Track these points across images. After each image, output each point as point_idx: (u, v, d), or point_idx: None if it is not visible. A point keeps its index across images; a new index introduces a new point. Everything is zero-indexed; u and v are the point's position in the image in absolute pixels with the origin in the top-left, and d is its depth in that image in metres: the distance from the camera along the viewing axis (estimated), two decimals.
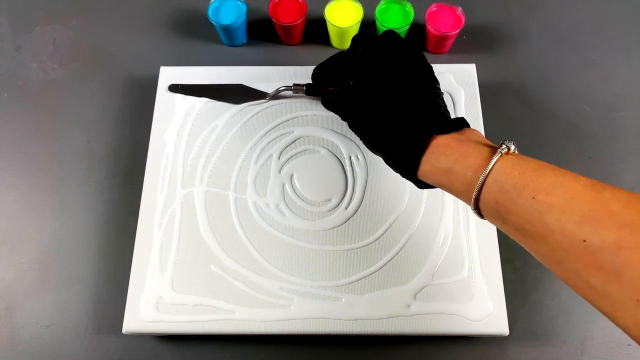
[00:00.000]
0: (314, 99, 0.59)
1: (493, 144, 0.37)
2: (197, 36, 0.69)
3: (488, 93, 0.62)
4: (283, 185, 0.55)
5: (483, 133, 0.57)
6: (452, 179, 0.36)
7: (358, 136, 0.45)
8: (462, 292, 0.50)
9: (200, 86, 0.59)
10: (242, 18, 0.64)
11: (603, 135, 0.61)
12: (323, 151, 0.57)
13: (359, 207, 0.54)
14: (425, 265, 0.51)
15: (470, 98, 0.59)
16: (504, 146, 0.35)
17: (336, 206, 0.54)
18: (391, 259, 0.51)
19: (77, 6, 0.72)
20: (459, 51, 0.67)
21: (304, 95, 0.57)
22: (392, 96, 0.42)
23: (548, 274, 0.55)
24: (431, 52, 0.67)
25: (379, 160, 0.56)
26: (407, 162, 0.39)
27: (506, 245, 0.53)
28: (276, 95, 0.58)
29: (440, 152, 0.37)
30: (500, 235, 0.52)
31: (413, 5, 0.64)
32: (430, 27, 0.63)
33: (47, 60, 0.68)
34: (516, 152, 0.35)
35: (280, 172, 0.56)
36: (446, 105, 0.43)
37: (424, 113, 0.40)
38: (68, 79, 0.67)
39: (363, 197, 0.54)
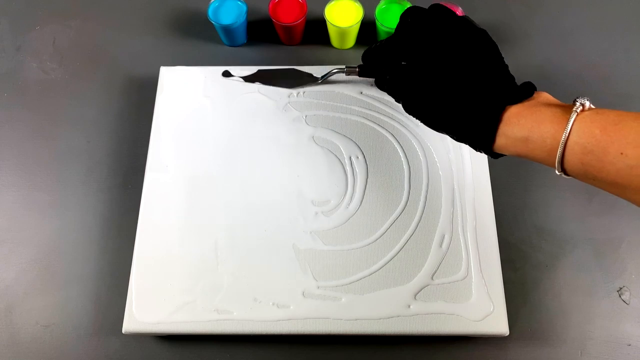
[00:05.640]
0: (364, 81, 0.59)
1: (566, 104, 0.36)
2: (197, 36, 0.69)
3: None
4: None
5: None
6: (530, 148, 0.36)
7: (416, 118, 0.43)
8: (462, 292, 0.50)
9: (254, 74, 0.61)
10: (242, 18, 0.64)
11: None
12: (323, 151, 0.57)
13: (359, 206, 0.54)
14: (425, 265, 0.51)
15: None
16: (577, 104, 0.34)
17: (336, 206, 0.54)
18: (391, 259, 0.51)
19: (77, 6, 0.72)
20: None
21: (357, 77, 0.57)
22: (455, 71, 0.40)
23: (548, 274, 0.55)
24: None
25: (378, 160, 0.56)
26: (481, 138, 0.39)
27: (506, 245, 0.53)
28: (326, 80, 0.59)
29: (514, 122, 0.37)
30: (500, 235, 0.52)
31: None
32: None
33: (47, 60, 0.68)
34: (592, 107, 0.34)
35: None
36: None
37: (493, 84, 0.39)
38: (68, 79, 0.67)
39: (363, 197, 0.54)
